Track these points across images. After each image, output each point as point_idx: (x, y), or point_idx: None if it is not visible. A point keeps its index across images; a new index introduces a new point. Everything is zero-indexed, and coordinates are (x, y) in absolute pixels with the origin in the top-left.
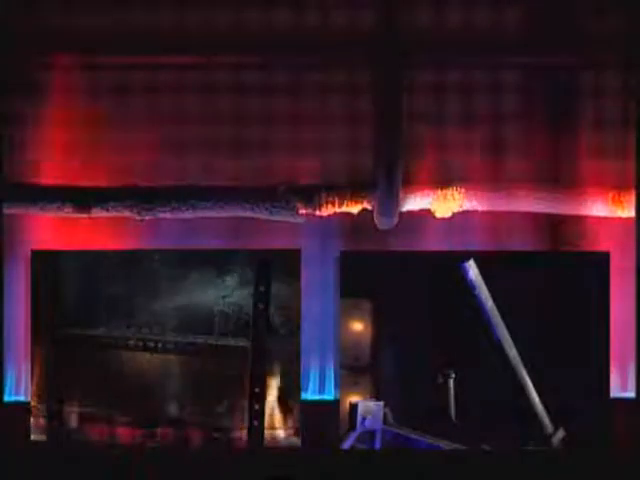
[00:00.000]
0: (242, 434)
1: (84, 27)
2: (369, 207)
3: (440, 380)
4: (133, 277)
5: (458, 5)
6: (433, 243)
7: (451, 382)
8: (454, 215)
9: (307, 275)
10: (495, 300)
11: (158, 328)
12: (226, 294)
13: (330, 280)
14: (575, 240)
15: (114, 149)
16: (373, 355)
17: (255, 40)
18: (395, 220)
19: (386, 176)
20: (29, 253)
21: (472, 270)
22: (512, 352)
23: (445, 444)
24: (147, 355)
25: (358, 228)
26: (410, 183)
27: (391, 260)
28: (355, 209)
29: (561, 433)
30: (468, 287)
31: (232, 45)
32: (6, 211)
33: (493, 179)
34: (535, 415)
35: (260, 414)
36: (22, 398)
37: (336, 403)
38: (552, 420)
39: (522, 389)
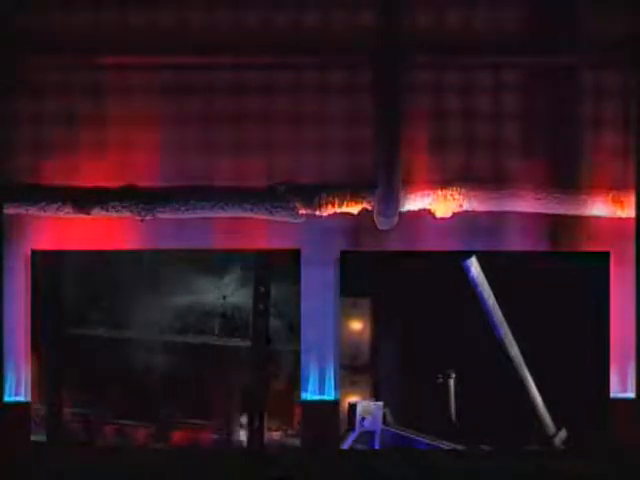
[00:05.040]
0: (242, 434)
1: (84, 27)
2: (369, 207)
3: (440, 380)
4: (133, 277)
5: (458, 5)
6: (433, 243)
7: (451, 382)
8: (454, 215)
9: (307, 275)
10: (496, 300)
11: (158, 328)
12: (226, 294)
13: (330, 280)
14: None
15: (114, 149)
16: (372, 355)
17: (255, 40)
18: (395, 220)
19: (386, 176)
20: (29, 253)
21: (474, 268)
22: (514, 351)
23: (445, 444)
24: (147, 355)
25: (358, 228)
26: (410, 183)
27: (391, 260)
28: (355, 209)
29: (563, 433)
30: (469, 285)
31: (232, 45)
32: (6, 211)
33: (493, 179)
34: (537, 415)
35: (260, 414)
36: (22, 398)
37: (336, 403)
38: (554, 420)
39: (524, 388)
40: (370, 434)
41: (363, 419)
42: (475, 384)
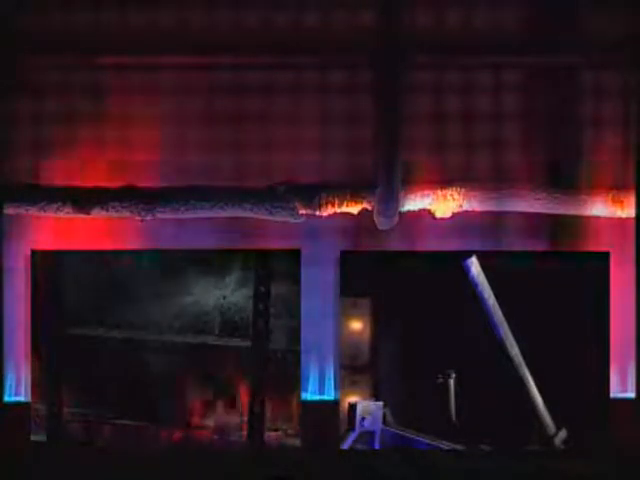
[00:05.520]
0: (242, 434)
1: (84, 27)
2: (369, 207)
3: (440, 380)
4: (133, 277)
5: (458, 5)
6: (433, 243)
7: (451, 382)
8: (454, 215)
9: (307, 275)
10: (496, 300)
11: (158, 328)
12: (226, 294)
13: (330, 280)
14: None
15: (114, 149)
16: (372, 355)
17: (255, 40)
18: (395, 220)
19: (386, 176)
20: (29, 253)
21: (474, 267)
22: (514, 351)
23: (445, 444)
24: (147, 355)
25: (358, 228)
26: (410, 183)
27: (391, 260)
28: (355, 209)
29: (564, 433)
30: (469, 285)
31: (232, 45)
32: (6, 211)
33: (493, 179)
34: (537, 415)
35: (260, 414)
36: (22, 398)
37: (336, 403)
38: (554, 420)
39: (523, 388)
40: (370, 434)
41: (363, 419)
42: (475, 384)
